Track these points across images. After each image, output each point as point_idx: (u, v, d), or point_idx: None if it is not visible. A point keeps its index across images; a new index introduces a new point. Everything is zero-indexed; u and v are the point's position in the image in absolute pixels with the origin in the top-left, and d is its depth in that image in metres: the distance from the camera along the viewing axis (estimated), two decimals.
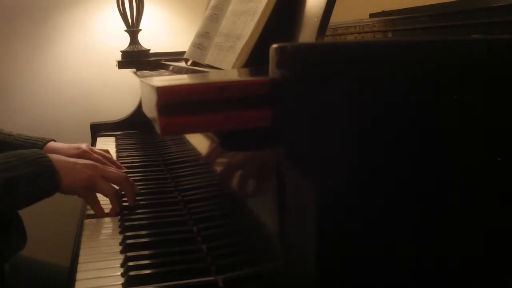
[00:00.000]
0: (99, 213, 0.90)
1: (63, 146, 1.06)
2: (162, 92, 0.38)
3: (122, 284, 0.66)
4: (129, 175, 1.10)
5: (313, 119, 0.38)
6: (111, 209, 0.90)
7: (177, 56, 1.33)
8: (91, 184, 0.87)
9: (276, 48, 0.38)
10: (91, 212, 0.91)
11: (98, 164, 0.91)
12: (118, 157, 1.29)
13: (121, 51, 1.53)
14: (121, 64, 1.50)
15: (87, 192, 0.87)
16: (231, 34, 0.77)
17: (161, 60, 1.42)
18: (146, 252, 0.73)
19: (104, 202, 0.91)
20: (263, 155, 0.46)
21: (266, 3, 0.70)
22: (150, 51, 1.54)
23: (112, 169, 0.93)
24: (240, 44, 0.71)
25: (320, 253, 0.39)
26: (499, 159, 0.41)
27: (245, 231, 0.57)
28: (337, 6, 0.60)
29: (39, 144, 1.05)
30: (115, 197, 0.90)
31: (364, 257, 0.40)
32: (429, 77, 0.39)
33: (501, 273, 0.44)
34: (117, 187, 0.93)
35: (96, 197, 0.89)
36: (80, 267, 0.71)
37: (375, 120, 0.39)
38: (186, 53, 1.01)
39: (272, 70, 0.39)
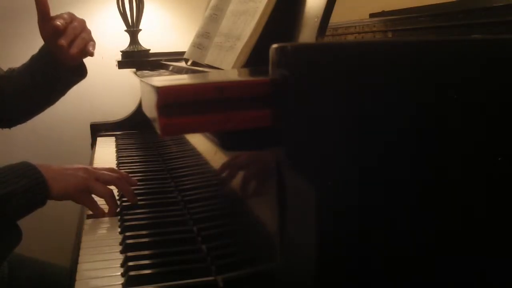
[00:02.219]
0: (99, 214, 0.90)
1: None
2: (162, 92, 0.38)
3: (122, 284, 0.66)
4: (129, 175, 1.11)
5: (313, 119, 0.38)
6: (108, 210, 0.90)
7: (177, 56, 1.33)
8: (84, 187, 0.87)
9: (276, 48, 0.38)
10: (91, 212, 0.91)
11: (89, 167, 0.91)
12: (118, 157, 1.29)
13: (121, 51, 1.53)
14: (121, 64, 1.50)
15: (82, 195, 0.87)
16: (231, 34, 0.77)
17: (161, 60, 1.42)
18: (146, 252, 0.73)
19: (101, 202, 0.92)
20: (263, 155, 0.46)
21: (266, 3, 0.70)
22: (150, 51, 1.54)
23: (104, 171, 0.93)
24: (240, 44, 0.71)
25: (320, 253, 0.39)
26: (499, 159, 0.41)
27: (245, 231, 0.57)
28: (337, 6, 0.60)
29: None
30: (110, 198, 0.90)
31: (364, 257, 0.40)
32: (429, 77, 0.39)
33: (502, 273, 0.44)
34: (112, 188, 0.93)
35: (93, 199, 0.89)
36: (80, 267, 0.71)
37: (375, 120, 0.39)
38: (186, 53, 1.01)
39: (272, 70, 0.39)
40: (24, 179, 0.78)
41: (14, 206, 0.77)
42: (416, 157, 0.40)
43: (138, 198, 0.94)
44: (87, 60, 1.81)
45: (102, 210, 0.90)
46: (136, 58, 1.50)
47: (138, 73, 1.31)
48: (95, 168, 0.93)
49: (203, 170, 0.80)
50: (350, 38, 1.05)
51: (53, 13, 1.76)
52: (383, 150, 0.39)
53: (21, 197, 0.77)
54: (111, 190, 0.91)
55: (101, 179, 0.89)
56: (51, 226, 1.69)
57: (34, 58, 1.10)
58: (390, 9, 1.22)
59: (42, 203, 0.81)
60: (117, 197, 0.94)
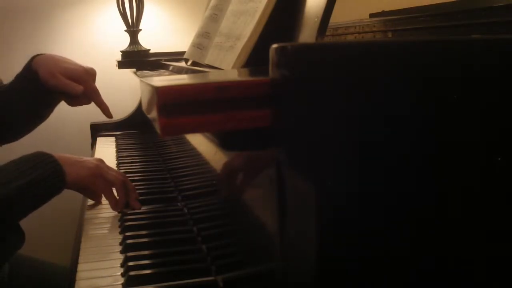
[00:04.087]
0: (111, 201, 0.90)
1: None
2: (162, 92, 0.38)
3: (122, 284, 0.66)
4: (129, 175, 1.11)
5: (313, 119, 0.38)
6: (118, 200, 0.90)
7: (177, 56, 1.33)
8: (98, 173, 0.88)
9: (276, 48, 0.38)
10: (91, 213, 0.91)
11: (103, 160, 0.92)
12: (118, 157, 1.29)
13: (121, 51, 1.53)
14: (121, 64, 1.50)
15: (97, 180, 0.88)
16: (231, 34, 0.77)
17: (161, 60, 1.42)
18: (146, 252, 0.73)
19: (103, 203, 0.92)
20: (263, 155, 0.46)
21: (266, 3, 0.70)
22: (150, 51, 1.54)
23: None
24: (240, 44, 0.71)
25: (320, 253, 0.39)
26: (499, 159, 0.41)
27: (245, 231, 0.57)
28: (337, 6, 0.60)
29: (27, 67, 1.02)
30: (122, 185, 0.90)
31: (364, 257, 0.40)
32: (429, 77, 0.39)
33: (502, 273, 0.44)
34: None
35: (108, 184, 0.90)
36: (80, 267, 0.71)
37: (375, 120, 0.39)
38: (186, 53, 1.01)
39: (272, 70, 0.39)
40: (41, 168, 0.79)
41: (33, 195, 0.78)
42: (416, 157, 0.40)
43: (139, 198, 0.94)
44: (87, 60, 1.81)
45: (115, 197, 0.90)
46: (136, 58, 1.50)
47: (138, 73, 1.31)
48: (108, 166, 0.94)
49: (203, 170, 0.80)
50: (350, 38, 1.05)
51: (51, 13, 1.75)
52: (383, 150, 0.39)
53: (40, 186, 0.78)
54: (124, 177, 0.92)
55: (113, 172, 0.91)
56: (51, 226, 1.69)
57: (18, 77, 1.05)
58: (390, 9, 1.22)
59: (59, 190, 0.82)
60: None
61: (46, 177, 0.78)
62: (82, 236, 0.82)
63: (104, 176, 0.89)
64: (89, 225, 0.87)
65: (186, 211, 0.89)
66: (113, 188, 0.92)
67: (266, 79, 0.39)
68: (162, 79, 0.44)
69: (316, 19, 0.60)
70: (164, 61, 1.36)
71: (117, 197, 0.91)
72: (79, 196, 0.94)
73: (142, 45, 1.54)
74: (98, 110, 1.84)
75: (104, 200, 0.93)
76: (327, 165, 0.39)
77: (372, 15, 1.24)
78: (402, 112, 0.39)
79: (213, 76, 0.58)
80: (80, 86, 1.02)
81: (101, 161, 0.91)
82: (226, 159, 0.63)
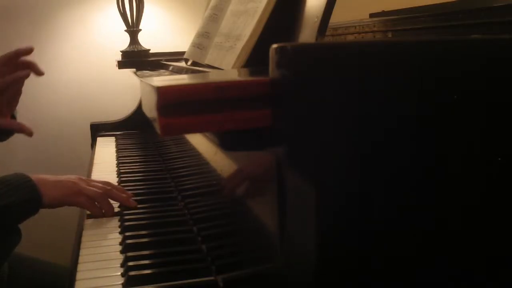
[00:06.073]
0: (97, 213, 0.90)
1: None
2: (162, 92, 0.38)
3: (122, 284, 0.66)
4: (129, 175, 1.11)
5: (313, 119, 0.38)
6: (104, 211, 0.90)
7: (177, 56, 1.33)
8: (77, 190, 0.88)
9: (276, 48, 0.38)
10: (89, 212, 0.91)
11: (82, 177, 0.93)
12: (118, 157, 1.29)
13: (121, 51, 1.53)
14: (121, 64, 1.50)
15: (76, 197, 0.88)
16: (231, 34, 0.77)
17: (161, 60, 1.42)
18: (146, 252, 0.73)
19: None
20: (263, 155, 0.46)
21: (266, 3, 0.70)
22: (150, 51, 1.54)
23: (98, 183, 0.93)
24: (240, 44, 0.71)
25: (320, 253, 0.39)
26: (499, 159, 0.41)
27: (245, 231, 0.57)
28: (337, 6, 0.60)
29: None
30: (102, 199, 0.90)
31: (364, 257, 0.40)
32: (429, 77, 0.39)
33: (502, 273, 0.44)
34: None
35: (88, 198, 0.90)
36: (80, 267, 0.71)
37: (375, 120, 0.39)
38: (186, 53, 1.01)
39: (272, 70, 0.39)
40: (19, 191, 0.81)
41: (11, 217, 0.81)
42: (416, 157, 0.40)
43: (138, 198, 0.94)
44: (87, 60, 1.81)
45: (99, 209, 0.90)
46: (136, 58, 1.50)
47: (138, 73, 1.31)
48: (89, 179, 0.95)
49: (203, 170, 0.80)
50: (350, 38, 1.05)
51: (51, 13, 1.75)
52: (383, 150, 0.39)
53: (17, 209, 0.81)
54: (102, 191, 0.91)
55: (93, 186, 0.91)
56: (51, 226, 1.69)
57: None
58: (390, 9, 1.22)
59: (35, 212, 0.84)
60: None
61: (23, 201, 0.81)
62: (82, 236, 0.82)
63: (83, 193, 0.89)
64: (89, 225, 0.87)
65: (186, 211, 0.89)
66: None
67: (266, 79, 0.39)
68: (162, 79, 0.44)
69: (316, 19, 0.60)
70: (164, 61, 1.36)
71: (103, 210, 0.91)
72: None
73: (142, 45, 1.54)
74: (98, 110, 1.85)
75: None
76: (327, 165, 0.39)
77: (372, 15, 1.24)
78: (402, 112, 0.39)
79: (213, 76, 0.58)
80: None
81: (79, 178, 0.92)
82: (226, 159, 0.63)
